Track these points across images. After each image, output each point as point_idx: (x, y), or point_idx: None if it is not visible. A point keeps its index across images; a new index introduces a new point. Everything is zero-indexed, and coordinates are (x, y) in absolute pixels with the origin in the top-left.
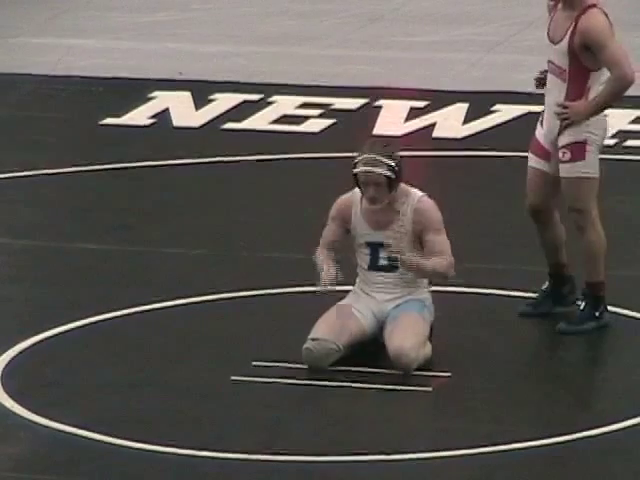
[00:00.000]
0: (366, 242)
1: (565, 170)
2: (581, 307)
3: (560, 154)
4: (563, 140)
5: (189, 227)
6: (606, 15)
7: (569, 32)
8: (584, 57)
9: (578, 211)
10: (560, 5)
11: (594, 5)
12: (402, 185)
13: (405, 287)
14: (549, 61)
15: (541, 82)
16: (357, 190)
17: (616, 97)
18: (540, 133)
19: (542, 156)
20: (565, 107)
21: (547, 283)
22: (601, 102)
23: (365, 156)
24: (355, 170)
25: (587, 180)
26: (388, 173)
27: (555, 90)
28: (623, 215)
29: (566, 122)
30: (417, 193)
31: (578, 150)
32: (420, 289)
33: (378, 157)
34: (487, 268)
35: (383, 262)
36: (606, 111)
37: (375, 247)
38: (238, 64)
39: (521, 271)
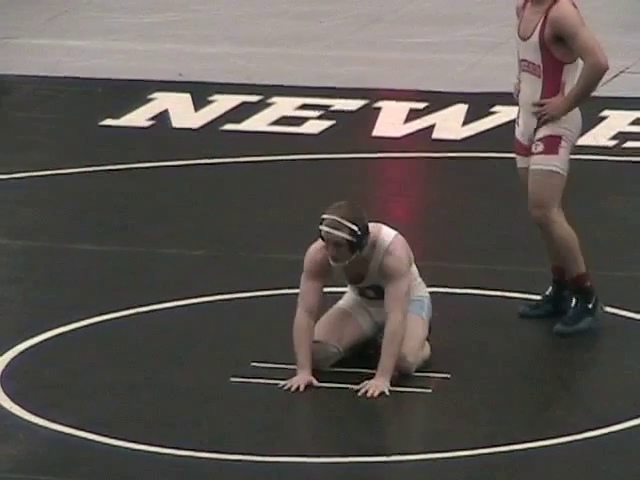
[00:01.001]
0: (350, 286)
1: (535, 162)
2: (572, 304)
3: (533, 146)
4: (539, 134)
5: (188, 228)
6: (575, 6)
7: (539, 25)
8: (555, 49)
9: (542, 207)
10: (529, 3)
11: None
12: (372, 233)
13: None
14: (522, 59)
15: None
16: None
17: (592, 85)
18: (519, 132)
19: (524, 154)
20: (541, 105)
21: (550, 288)
22: (578, 93)
23: (329, 217)
24: (319, 227)
25: (556, 175)
26: (349, 237)
27: (530, 87)
28: (622, 216)
29: (545, 118)
30: (385, 241)
31: (552, 144)
32: (417, 288)
33: (341, 220)
34: (486, 269)
35: (371, 295)
36: (606, 112)
37: (361, 288)
38: (237, 65)
39: (520, 272)
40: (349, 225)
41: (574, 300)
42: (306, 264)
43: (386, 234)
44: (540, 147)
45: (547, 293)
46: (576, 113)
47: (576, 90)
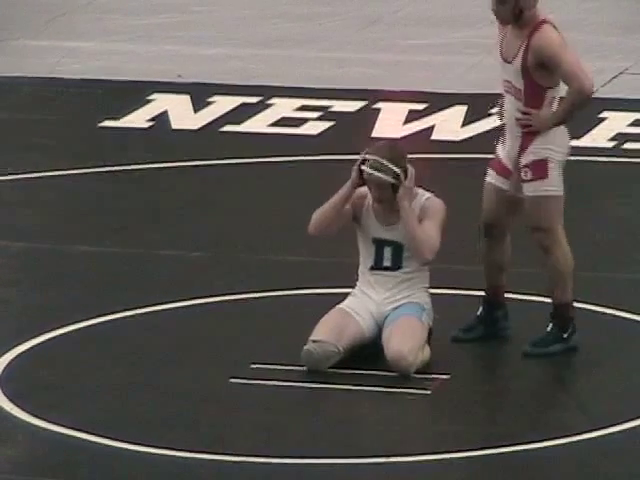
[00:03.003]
0: (373, 238)
1: (528, 189)
2: (548, 329)
3: (522, 173)
4: (524, 159)
5: (188, 229)
6: (556, 29)
7: (522, 51)
8: (538, 75)
9: (543, 230)
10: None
11: (545, 21)
12: (411, 172)
13: (405, 289)
14: (505, 80)
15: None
16: None
17: (576, 109)
18: (503, 152)
19: (502, 173)
20: (527, 114)
21: (481, 308)
22: (562, 115)
23: (372, 158)
24: (362, 168)
25: (551, 198)
26: (392, 180)
27: (513, 109)
28: (621, 218)
29: (529, 129)
30: (425, 193)
31: (539, 168)
32: (420, 292)
33: (384, 162)
34: None
35: (387, 263)
36: (605, 113)
37: (381, 245)
38: (237, 66)
39: (520, 273)
40: (392, 167)
41: (550, 325)
42: None
43: (423, 191)
44: (529, 174)
45: (478, 314)
46: (559, 130)
47: (560, 112)
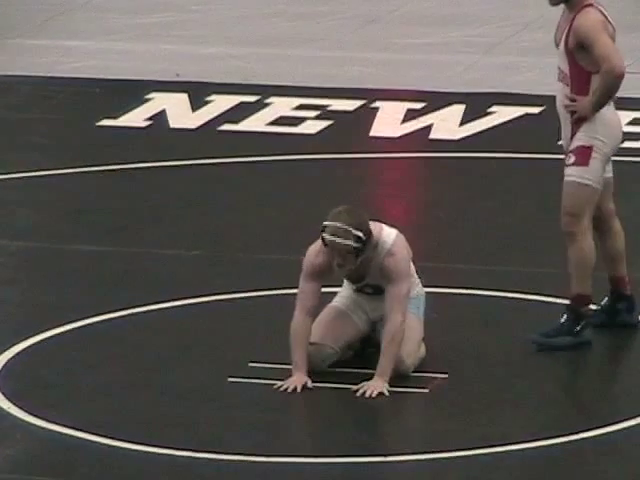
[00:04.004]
0: (349, 283)
1: (567, 173)
2: (562, 320)
3: (566, 158)
4: (572, 144)
5: (186, 228)
6: (602, 13)
7: (565, 32)
8: (580, 57)
9: (571, 215)
10: (563, 9)
11: (590, 4)
12: (373, 233)
13: None
14: (558, 66)
15: None
16: None
17: (609, 91)
18: (563, 140)
19: None
20: (574, 100)
21: (606, 298)
22: (597, 97)
23: (333, 225)
24: (323, 235)
25: (587, 187)
26: (355, 244)
27: (562, 96)
28: (621, 217)
29: (576, 116)
30: (386, 242)
31: (583, 155)
32: (414, 286)
33: (346, 227)
34: (484, 269)
35: (369, 291)
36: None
37: (361, 288)
38: (235, 66)
39: (519, 272)
40: (354, 232)
41: (564, 315)
42: (305, 266)
43: (387, 234)
44: (572, 159)
45: (602, 303)
46: (611, 123)
47: (595, 94)
